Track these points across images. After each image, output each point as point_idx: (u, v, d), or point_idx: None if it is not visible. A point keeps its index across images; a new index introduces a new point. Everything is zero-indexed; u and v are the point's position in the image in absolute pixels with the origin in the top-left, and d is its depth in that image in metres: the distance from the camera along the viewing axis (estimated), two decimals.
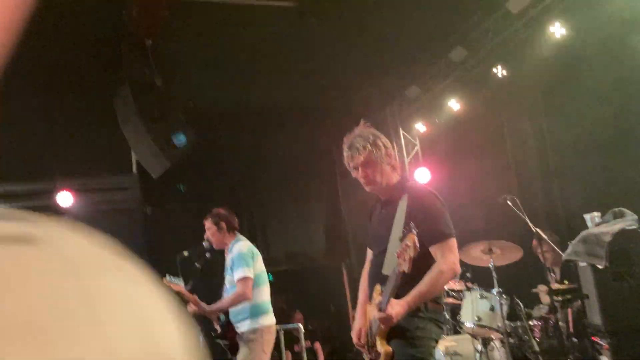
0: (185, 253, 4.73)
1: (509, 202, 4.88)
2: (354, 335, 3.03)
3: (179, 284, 4.57)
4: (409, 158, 8.87)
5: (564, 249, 4.91)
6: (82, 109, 8.30)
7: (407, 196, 2.86)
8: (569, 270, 5.12)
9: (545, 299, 5.56)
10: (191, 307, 4.54)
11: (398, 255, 2.44)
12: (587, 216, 4.27)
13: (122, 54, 7.27)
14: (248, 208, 9.53)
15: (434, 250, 2.72)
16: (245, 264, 4.47)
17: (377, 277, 2.84)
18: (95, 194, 8.40)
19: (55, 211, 8.04)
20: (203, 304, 4.54)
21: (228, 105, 8.84)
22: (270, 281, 4.80)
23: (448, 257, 2.71)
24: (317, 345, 9.11)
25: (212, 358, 6.08)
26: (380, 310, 2.61)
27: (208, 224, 4.75)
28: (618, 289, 3.69)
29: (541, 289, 5.53)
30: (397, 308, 2.57)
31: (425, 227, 2.64)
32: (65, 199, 7.95)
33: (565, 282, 4.95)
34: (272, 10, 6.70)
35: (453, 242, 2.77)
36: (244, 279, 4.42)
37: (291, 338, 8.69)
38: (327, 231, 10.37)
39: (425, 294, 2.67)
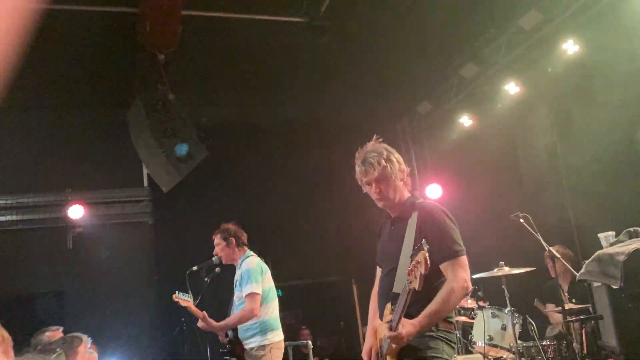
0: (195, 268, 4.72)
1: (521, 220, 4.83)
2: (364, 355, 2.99)
3: (188, 300, 4.57)
4: (420, 175, 8.82)
5: (575, 266, 4.85)
6: (95, 122, 8.38)
7: (417, 213, 2.83)
8: (577, 289, 5.05)
9: (555, 318, 5.47)
10: (200, 323, 4.54)
11: (409, 272, 2.40)
12: (601, 235, 4.20)
13: (135, 68, 7.34)
14: (258, 223, 9.49)
15: (444, 267, 2.68)
16: (253, 280, 4.45)
17: (388, 296, 2.80)
18: (106, 207, 8.43)
19: (66, 223, 8.08)
20: (211, 321, 4.52)
21: (239, 120, 8.88)
22: (279, 296, 4.77)
23: (459, 275, 2.67)
24: None
25: None
26: (391, 329, 2.57)
27: (217, 239, 4.75)
28: (633, 310, 3.61)
29: (550, 307, 5.45)
30: (408, 327, 2.53)
31: (436, 244, 2.60)
32: (76, 211, 7.97)
33: (573, 300, 4.88)
34: (285, 25, 6.74)
35: (464, 259, 2.73)
36: (251, 295, 4.40)
37: (300, 354, 8.63)
38: (338, 247, 10.30)
39: (437, 313, 2.62)
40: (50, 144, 8.33)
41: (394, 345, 2.62)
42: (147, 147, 7.22)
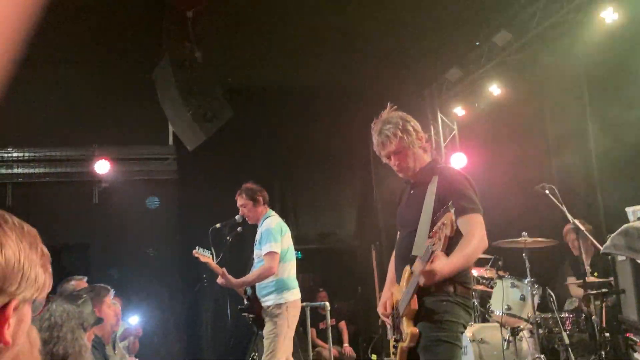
0: (218, 225, 4.77)
1: (547, 192, 4.76)
2: (380, 306, 3.01)
3: (208, 256, 4.62)
4: (446, 143, 8.73)
5: (598, 240, 4.79)
6: (123, 79, 8.41)
7: (437, 178, 2.81)
8: (598, 264, 5.00)
9: (575, 291, 5.45)
10: (220, 280, 4.60)
11: (432, 234, 2.39)
12: (629, 209, 4.13)
13: (163, 26, 7.32)
14: (280, 186, 9.55)
15: (461, 222, 2.60)
16: (273, 239, 4.49)
17: (406, 259, 2.80)
18: (132, 163, 8.53)
19: (92, 178, 8.22)
20: (230, 277, 4.58)
21: (265, 83, 8.84)
22: (298, 258, 4.82)
23: (477, 230, 2.65)
24: (343, 325, 9.13)
25: (239, 331, 6.17)
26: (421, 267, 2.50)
27: (242, 200, 4.75)
28: None
29: (571, 280, 5.42)
30: (441, 262, 2.44)
31: (455, 202, 2.58)
32: (102, 166, 8.09)
33: (595, 274, 4.84)
34: None
35: (480, 217, 2.71)
36: (270, 254, 4.44)
37: (317, 316, 8.76)
38: (359, 213, 10.33)
39: (468, 256, 2.60)
40: (79, 99, 8.41)
41: (422, 281, 2.49)
42: (174, 106, 7.25)
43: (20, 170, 8.11)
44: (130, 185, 8.31)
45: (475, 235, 2.63)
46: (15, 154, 8.09)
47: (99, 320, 3.35)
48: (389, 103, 2.96)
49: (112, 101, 8.49)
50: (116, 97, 8.49)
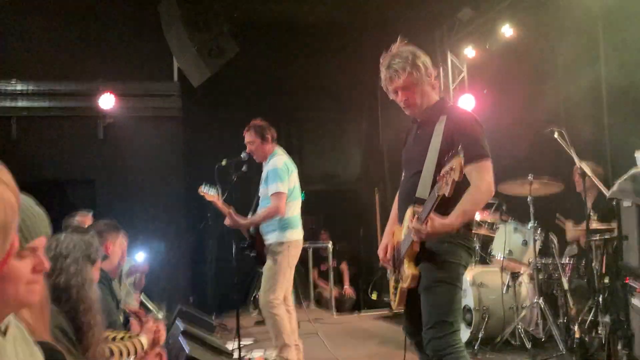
0: (224, 162, 4.73)
1: (555, 135, 4.69)
2: (380, 250, 3.01)
3: (213, 194, 4.61)
4: (455, 84, 8.59)
5: (604, 184, 4.76)
6: (129, 13, 8.24)
7: (445, 118, 2.75)
8: (600, 207, 4.98)
9: (570, 234, 5.46)
10: (227, 221, 4.59)
11: (439, 178, 2.36)
12: (638, 154, 4.07)
13: None
14: (286, 125, 9.48)
15: (469, 169, 2.56)
16: (279, 178, 4.46)
17: (410, 200, 2.77)
18: (137, 99, 8.45)
19: (97, 113, 8.16)
20: (238, 218, 4.58)
21: (272, 18, 8.62)
22: (302, 199, 4.81)
23: (485, 178, 2.63)
24: (344, 266, 9.28)
25: (243, 269, 6.26)
26: (419, 220, 2.54)
27: (250, 136, 4.68)
28: None
29: (569, 224, 5.42)
30: (437, 224, 2.49)
31: (462, 146, 2.55)
32: (107, 101, 8.02)
33: (596, 217, 4.84)
34: None
35: (489, 163, 2.68)
36: (277, 194, 4.43)
37: (319, 257, 8.89)
38: (363, 155, 10.31)
39: (466, 213, 2.60)
40: (84, 32, 8.28)
41: (415, 237, 2.59)
42: (179, 41, 7.12)
43: (24, 104, 8.04)
44: (135, 121, 8.26)
45: (482, 188, 2.60)
46: (19, 87, 8.00)
47: (105, 257, 3.38)
48: (399, 37, 2.86)
49: (117, 35, 8.34)
50: (121, 30, 8.33)
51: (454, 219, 2.55)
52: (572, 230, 5.41)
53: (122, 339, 2.81)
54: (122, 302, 4.48)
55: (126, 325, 3.46)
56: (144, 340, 2.81)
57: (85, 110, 8.23)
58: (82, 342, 2.07)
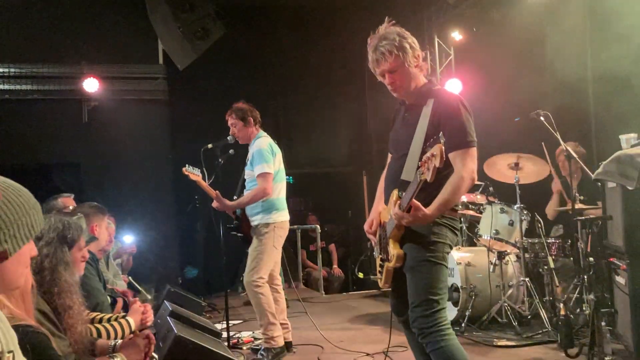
0: (210, 145, 4.71)
1: (541, 118, 4.73)
2: (367, 224, 3.03)
3: (197, 174, 4.59)
4: (442, 67, 8.58)
5: (589, 166, 4.81)
6: None
7: (432, 101, 2.74)
8: (585, 188, 5.04)
9: (552, 214, 5.53)
10: (215, 203, 4.59)
11: (422, 164, 2.35)
12: (622, 137, 4.11)
13: None
14: (274, 108, 9.45)
15: (453, 156, 2.61)
16: (264, 159, 4.46)
17: (395, 182, 2.78)
18: (121, 82, 8.37)
19: (81, 96, 8.08)
20: (225, 200, 4.57)
21: (260, 0, 8.55)
22: (290, 183, 4.80)
23: (468, 165, 2.63)
24: (332, 247, 9.34)
25: (230, 251, 6.27)
26: (400, 208, 2.57)
27: (232, 119, 4.70)
28: None
29: (551, 205, 5.49)
30: (419, 213, 2.53)
31: (447, 132, 2.54)
32: (91, 84, 7.94)
33: (582, 197, 4.90)
34: None
35: (474, 150, 2.68)
36: (263, 175, 4.43)
37: (308, 238, 8.92)
38: (352, 138, 10.30)
39: (448, 202, 2.61)
40: (68, 14, 8.16)
41: (397, 222, 2.62)
42: (164, 23, 7.04)
43: (6, 87, 7.93)
44: (120, 105, 8.19)
45: (464, 175, 2.60)
46: (0, 70, 7.89)
47: (92, 239, 3.36)
48: (387, 18, 2.84)
49: (102, 17, 8.23)
50: (105, 12, 8.22)
51: (435, 209, 2.58)
52: (551, 209, 5.49)
53: (109, 320, 2.80)
54: (110, 283, 4.48)
55: (114, 306, 3.46)
56: (132, 321, 2.81)
57: (69, 93, 8.15)
58: (61, 323, 2.06)
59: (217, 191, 4.55)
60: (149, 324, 2.94)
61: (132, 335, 2.47)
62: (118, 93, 8.32)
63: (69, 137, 8.14)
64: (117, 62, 8.33)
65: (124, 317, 2.85)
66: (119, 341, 2.43)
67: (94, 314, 2.87)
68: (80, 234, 2.42)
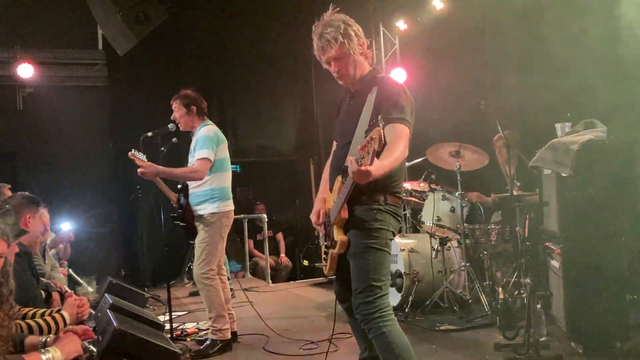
0: (150, 134, 4.59)
1: (482, 107, 4.83)
2: (313, 215, 3.03)
3: (143, 160, 4.44)
4: (387, 57, 8.66)
5: (528, 154, 4.96)
6: None
7: (376, 89, 2.76)
8: (523, 174, 5.20)
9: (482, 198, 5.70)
10: (140, 170, 4.33)
11: (361, 148, 2.35)
12: (558, 125, 4.25)
13: None
14: (219, 96, 9.30)
15: (388, 130, 2.54)
16: (207, 146, 4.39)
17: (339, 169, 2.80)
18: (59, 68, 8.08)
19: (15, 82, 7.74)
20: (154, 165, 4.33)
21: None
22: (237, 172, 4.74)
23: (401, 140, 2.58)
24: (280, 236, 9.32)
25: (174, 241, 6.17)
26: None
27: (176, 105, 4.60)
28: (578, 198, 3.74)
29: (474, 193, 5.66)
30: (373, 165, 2.35)
31: (385, 111, 2.57)
32: (26, 70, 7.62)
33: (519, 184, 5.06)
34: None
35: (407, 130, 2.65)
36: (202, 159, 4.36)
37: (255, 228, 8.88)
38: (299, 126, 10.27)
39: (395, 160, 2.52)
40: None
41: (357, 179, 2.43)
42: (103, 7, 6.80)
43: None
44: (58, 91, 7.90)
45: (399, 145, 2.57)
46: None
47: (22, 232, 3.22)
48: (331, 5, 2.82)
49: (36, 0, 7.89)
50: None
51: (386, 162, 2.46)
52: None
53: (42, 315, 2.70)
54: (47, 276, 4.32)
55: (49, 300, 3.34)
56: (66, 315, 2.71)
57: (2, 79, 7.81)
58: None
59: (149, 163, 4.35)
60: (85, 317, 2.86)
61: (68, 330, 2.39)
62: (55, 79, 8.03)
63: (2, 125, 7.80)
64: (53, 46, 8.02)
65: (58, 311, 2.75)
66: (51, 336, 2.34)
67: (27, 309, 2.76)
68: (14, 231, 2.30)
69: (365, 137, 2.51)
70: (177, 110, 4.58)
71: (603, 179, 3.68)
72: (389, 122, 2.58)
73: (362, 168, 2.32)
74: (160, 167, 4.37)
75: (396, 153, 2.54)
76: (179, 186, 4.66)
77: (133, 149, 4.42)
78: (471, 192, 5.66)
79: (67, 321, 2.69)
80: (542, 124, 4.87)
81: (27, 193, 3.80)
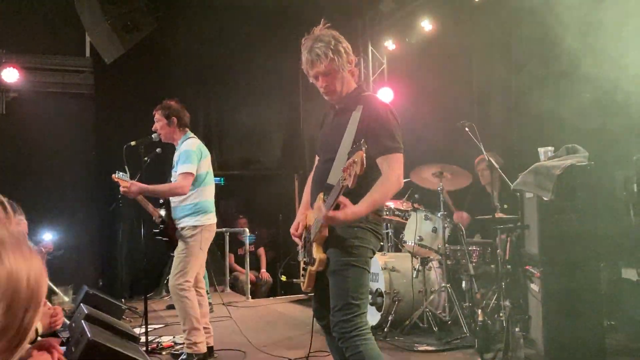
0: (133, 143, 4.54)
1: (466, 129, 4.88)
2: (292, 227, 3.02)
3: (127, 181, 4.39)
4: (375, 76, 8.72)
5: (510, 177, 5.00)
6: None
7: (362, 107, 2.77)
8: (505, 197, 5.24)
9: (460, 220, 5.73)
10: (122, 188, 4.30)
11: (344, 169, 2.36)
12: (540, 150, 4.30)
13: None
14: (204, 108, 9.27)
15: (380, 161, 2.65)
16: (189, 160, 4.37)
17: (322, 186, 2.78)
18: (44, 74, 8.00)
19: None
20: (138, 184, 4.32)
21: None
22: (221, 185, 4.71)
23: (395, 169, 2.67)
24: (261, 251, 9.26)
25: (153, 254, 6.11)
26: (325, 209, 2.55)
27: (158, 115, 4.59)
28: (559, 222, 3.78)
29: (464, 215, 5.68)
30: (347, 211, 2.50)
31: (376, 138, 2.59)
32: (10, 75, 7.54)
33: (505, 206, 5.09)
34: None
35: (400, 156, 2.71)
36: (185, 174, 4.34)
37: (236, 242, 8.81)
38: (284, 141, 10.26)
39: (376, 202, 2.63)
40: None
41: (325, 223, 2.61)
42: (91, 14, 6.77)
43: None
44: (43, 97, 7.82)
45: (391, 179, 2.64)
46: None
47: None
48: (322, 19, 2.83)
49: (24, 4, 7.83)
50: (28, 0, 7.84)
51: (363, 207, 2.58)
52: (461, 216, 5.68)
53: None
54: None
55: None
56: (39, 325, 2.65)
57: None
58: None
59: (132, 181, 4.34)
60: (58, 327, 2.79)
61: (39, 339, 2.33)
62: (40, 85, 7.95)
63: None
64: (40, 52, 7.95)
65: None
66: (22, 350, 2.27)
67: None
68: None
69: (349, 154, 2.53)
70: (158, 121, 4.56)
71: (584, 204, 3.72)
72: (383, 153, 2.66)
73: (330, 214, 2.48)
74: (144, 186, 4.35)
75: (378, 195, 2.62)
76: (161, 201, 4.62)
77: (117, 171, 4.38)
78: (460, 212, 5.68)
79: (40, 331, 2.63)
80: (525, 149, 4.92)
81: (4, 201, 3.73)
